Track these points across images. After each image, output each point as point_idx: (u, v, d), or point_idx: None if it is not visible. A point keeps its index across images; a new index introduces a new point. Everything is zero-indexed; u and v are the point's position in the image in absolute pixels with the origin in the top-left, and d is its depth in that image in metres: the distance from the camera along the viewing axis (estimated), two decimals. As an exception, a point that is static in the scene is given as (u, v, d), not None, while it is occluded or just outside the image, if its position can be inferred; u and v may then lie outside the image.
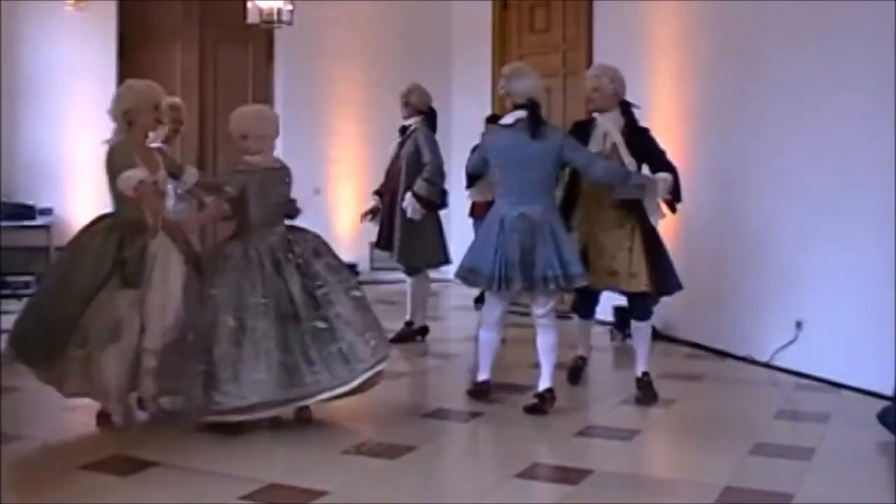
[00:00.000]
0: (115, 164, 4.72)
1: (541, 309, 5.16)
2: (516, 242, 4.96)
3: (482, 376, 5.35)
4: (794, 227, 6.09)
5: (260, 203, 4.86)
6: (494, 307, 5.27)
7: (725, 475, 4.08)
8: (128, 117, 4.79)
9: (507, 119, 5.15)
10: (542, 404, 5.09)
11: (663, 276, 5.35)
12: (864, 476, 4.21)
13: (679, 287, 5.44)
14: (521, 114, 5.07)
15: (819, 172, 5.88)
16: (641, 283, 5.30)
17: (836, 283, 5.73)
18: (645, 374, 5.47)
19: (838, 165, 5.75)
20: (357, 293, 4.91)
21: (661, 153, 5.35)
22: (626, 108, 5.38)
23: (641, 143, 5.32)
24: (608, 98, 5.35)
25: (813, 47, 5.94)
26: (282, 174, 5.03)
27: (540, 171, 5.02)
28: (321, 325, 4.69)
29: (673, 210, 5.37)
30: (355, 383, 4.72)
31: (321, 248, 4.95)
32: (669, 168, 5.27)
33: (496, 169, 5.13)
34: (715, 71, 6.84)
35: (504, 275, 4.98)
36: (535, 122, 5.03)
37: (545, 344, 5.17)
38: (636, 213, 5.31)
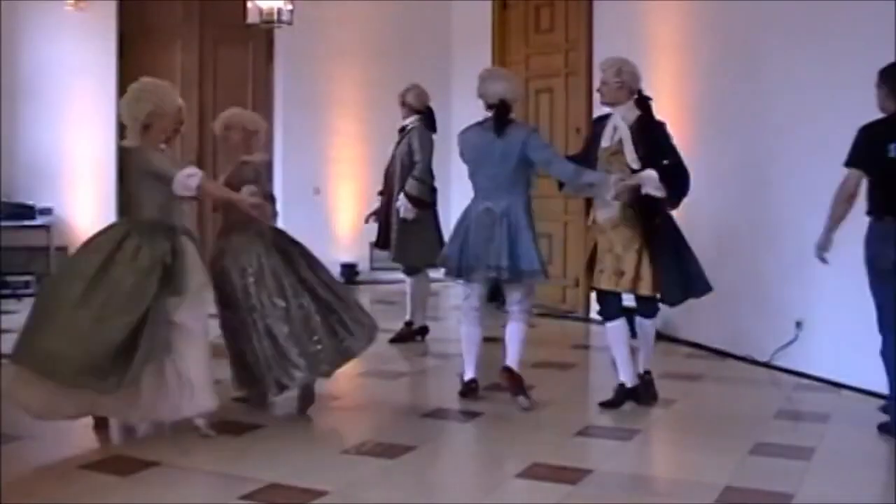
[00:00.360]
0: (153, 164, 4.52)
1: (511, 301, 5.38)
2: (479, 236, 5.24)
3: (468, 374, 5.45)
4: (794, 226, 6.08)
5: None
6: (471, 298, 5.45)
7: (725, 475, 4.08)
8: (149, 120, 4.55)
9: (481, 119, 5.42)
10: (511, 381, 5.22)
11: (675, 278, 5.17)
12: (864, 476, 4.21)
13: (705, 289, 5.29)
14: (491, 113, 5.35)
15: (819, 172, 5.87)
16: (646, 287, 5.18)
17: (836, 283, 5.73)
18: (647, 372, 5.43)
19: (838, 165, 5.75)
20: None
21: (672, 148, 5.21)
22: (641, 101, 5.22)
23: (652, 138, 5.16)
24: (614, 91, 5.22)
25: (813, 47, 5.93)
26: None
27: (504, 168, 5.23)
28: (334, 297, 5.02)
29: (673, 206, 5.26)
30: (370, 346, 5.17)
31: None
32: (678, 165, 5.15)
33: (469, 165, 5.42)
34: (715, 71, 6.84)
35: (466, 265, 5.29)
36: (498, 121, 5.27)
37: (510, 332, 5.34)
38: (645, 213, 5.16)
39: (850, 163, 4.85)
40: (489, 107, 5.34)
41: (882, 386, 5.33)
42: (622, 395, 5.29)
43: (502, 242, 5.15)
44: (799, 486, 3.97)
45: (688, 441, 4.81)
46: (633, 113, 5.21)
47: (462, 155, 5.46)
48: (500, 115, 5.27)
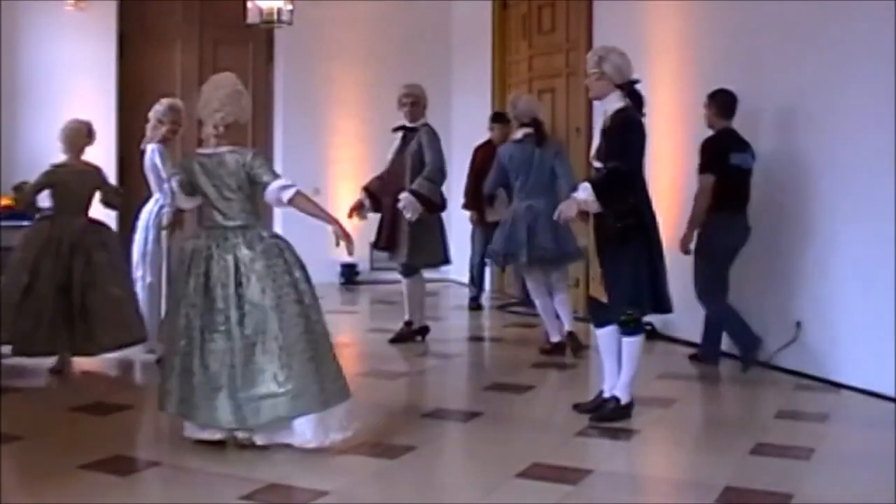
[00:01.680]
0: (261, 167, 4.35)
1: (554, 280, 6.55)
2: (523, 228, 6.35)
3: (554, 338, 6.53)
4: (794, 226, 6.08)
5: None
6: (531, 280, 6.56)
7: (725, 475, 4.07)
8: (234, 122, 4.37)
9: (517, 135, 6.52)
10: (565, 347, 6.46)
11: (613, 290, 4.79)
12: (864, 476, 4.20)
13: (632, 304, 4.83)
14: (528, 129, 6.43)
15: (818, 172, 5.88)
16: (596, 289, 4.83)
17: (836, 284, 5.73)
18: (612, 398, 4.92)
19: (837, 165, 5.76)
20: None
21: (623, 150, 4.70)
22: (631, 92, 4.80)
23: (614, 136, 4.74)
24: (593, 83, 4.81)
25: (813, 48, 5.93)
26: None
27: (541, 174, 6.44)
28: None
29: (613, 215, 4.72)
30: None
31: None
32: (614, 169, 4.71)
33: (512, 173, 6.50)
34: (715, 71, 6.84)
35: (509, 252, 6.44)
36: (539, 135, 6.45)
37: (558, 300, 6.53)
38: (608, 216, 4.74)
39: (705, 170, 5.98)
40: (522, 124, 6.46)
41: (882, 386, 5.35)
42: (616, 413, 4.89)
43: (546, 231, 6.24)
44: (799, 486, 3.97)
45: (688, 441, 4.81)
46: (615, 105, 4.80)
47: (505, 165, 6.51)
48: (540, 129, 6.47)
